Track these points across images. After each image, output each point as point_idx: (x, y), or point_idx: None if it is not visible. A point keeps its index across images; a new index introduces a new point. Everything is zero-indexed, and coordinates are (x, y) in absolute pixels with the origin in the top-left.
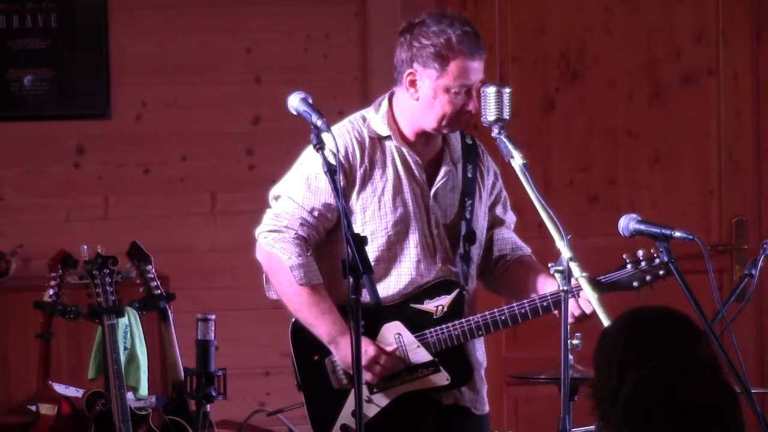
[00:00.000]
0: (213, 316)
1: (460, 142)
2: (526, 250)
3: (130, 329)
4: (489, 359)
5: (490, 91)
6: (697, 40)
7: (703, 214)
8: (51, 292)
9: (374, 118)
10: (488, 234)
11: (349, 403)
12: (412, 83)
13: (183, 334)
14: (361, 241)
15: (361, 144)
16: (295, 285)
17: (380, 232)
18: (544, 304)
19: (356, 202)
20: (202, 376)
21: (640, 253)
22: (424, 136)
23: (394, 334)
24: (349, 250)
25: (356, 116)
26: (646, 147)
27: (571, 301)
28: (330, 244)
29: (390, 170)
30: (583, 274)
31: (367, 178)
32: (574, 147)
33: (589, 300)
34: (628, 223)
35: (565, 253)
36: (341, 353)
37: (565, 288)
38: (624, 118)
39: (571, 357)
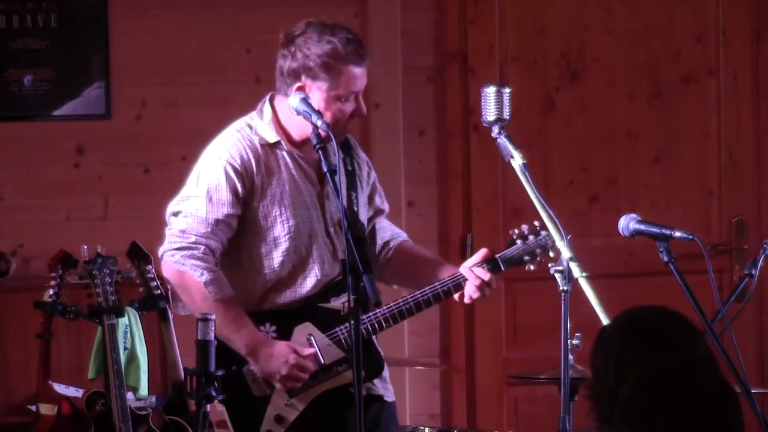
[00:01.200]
0: (213, 316)
1: None
2: (404, 235)
3: (130, 329)
4: (489, 359)
5: (490, 91)
6: (697, 41)
7: (703, 214)
8: (51, 292)
9: (260, 125)
10: (370, 224)
11: (271, 409)
12: None
13: (183, 334)
14: (361, 241)
15: (255, 152)
16: (210, 301)
17: (283, 237)
18: (445, 288)
19: (257, 211)
20: (202, 376)
21: (525, 227)
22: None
23: (306, 335)
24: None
25: (241, 124)
26: (646, 147)
27: (466, 286)
28: (238, 253)
29: (285, 176)
30: (583, 274)
31: (265, 185)
32: (574, 147)
33: (476, 286)
34: (628, 223)
35: (565, 253)
36: (260, 365)
37: (565, 288)
38: (624, 118)
39: (571, 357)
